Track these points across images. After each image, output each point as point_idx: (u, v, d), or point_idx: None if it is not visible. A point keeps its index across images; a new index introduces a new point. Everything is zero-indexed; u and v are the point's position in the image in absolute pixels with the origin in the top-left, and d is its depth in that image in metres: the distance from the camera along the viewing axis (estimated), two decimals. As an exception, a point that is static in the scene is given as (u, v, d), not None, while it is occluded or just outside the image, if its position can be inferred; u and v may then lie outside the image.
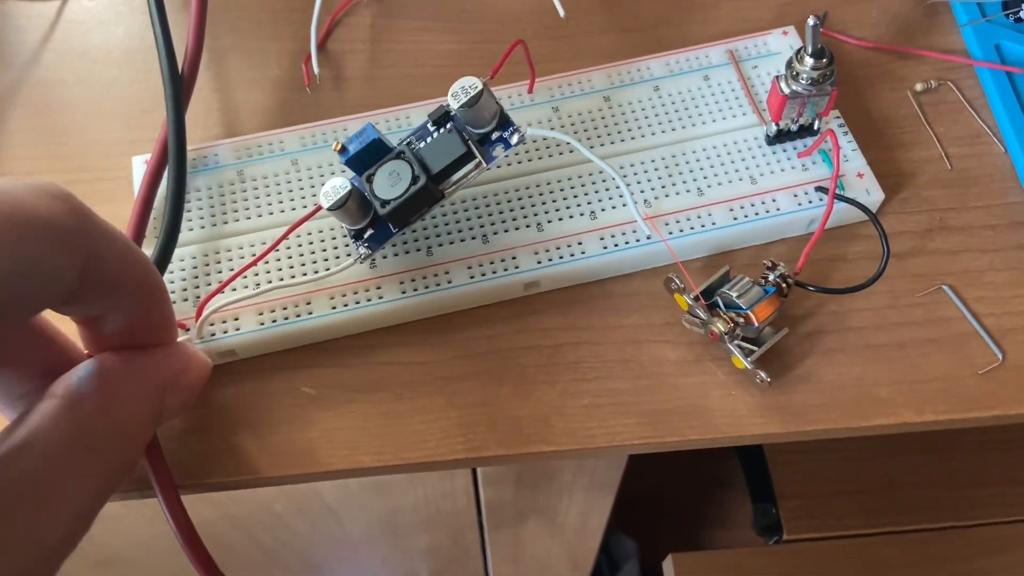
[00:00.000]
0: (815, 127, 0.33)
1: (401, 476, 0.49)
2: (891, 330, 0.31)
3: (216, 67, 0.37)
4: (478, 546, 0.66)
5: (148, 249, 0.30)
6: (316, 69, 0.36)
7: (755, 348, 0.28)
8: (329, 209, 0.28)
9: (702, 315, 0.29)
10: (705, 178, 0.32)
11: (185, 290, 0.31)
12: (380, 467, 0.29)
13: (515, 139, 0.29)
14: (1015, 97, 0.35)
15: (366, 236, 0.30)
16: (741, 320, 0.28)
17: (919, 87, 0.36)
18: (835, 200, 0.31)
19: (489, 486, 0.52)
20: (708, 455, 0.44)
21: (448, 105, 0.28)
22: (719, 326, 0.28)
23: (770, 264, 0.29)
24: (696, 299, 0.29)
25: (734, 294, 0.28)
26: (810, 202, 0.32)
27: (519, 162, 0.33)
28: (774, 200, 0.32)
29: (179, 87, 0.32)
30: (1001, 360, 0.30)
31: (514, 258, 0.31)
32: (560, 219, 0.32)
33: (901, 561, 0.41)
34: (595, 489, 0.52)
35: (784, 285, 0.29)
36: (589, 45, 0.38)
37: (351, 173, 0.30)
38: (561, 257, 0.31)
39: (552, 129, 0.33)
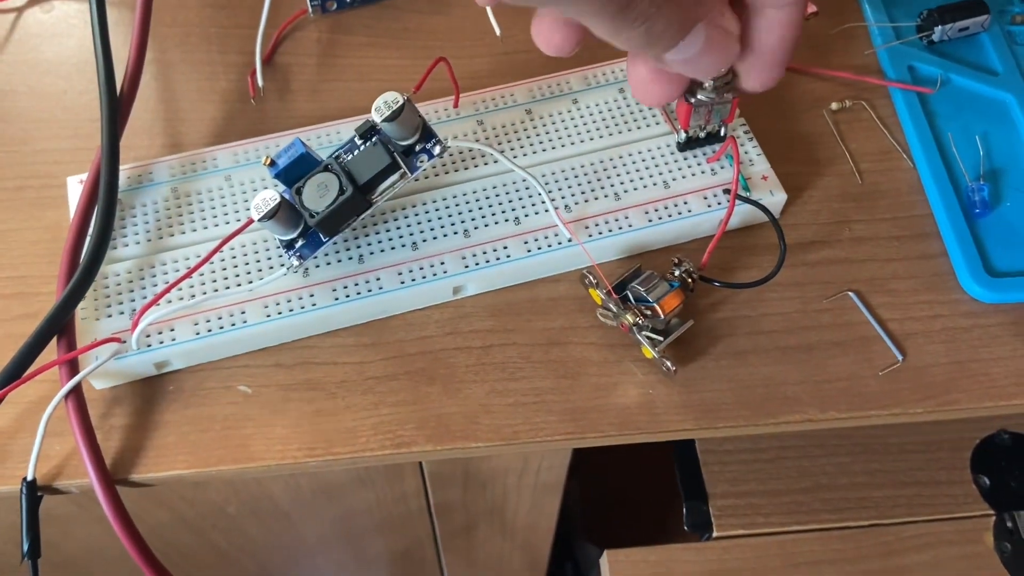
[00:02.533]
0: (722, 134, 0.35)
1: (351, 479, 0.51)
2: (800, 333, 0.33)
3: (164, 79, 0.39)
4: (433, 550, 0.67)
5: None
6: (260, 82, 0.38)
7: (662, 339, 0.30)
8: (260, 220, 0.29)
9: (614, 308, 0.31)
10: (622, 183, 0.34)
11: (121, 303, 0.32)
12: (311, 461, 0.30)
13: (437, 149, 0.31)
14: (924, 116, 0.38)
15: (297, 246, 0.31)
16: (649, 312, 0.30)
17: (835, 106, 0.38)
18: (737, 201, 0.33)
19: (438, 489, 0.53)
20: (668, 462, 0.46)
21: (373, 119, 0.30)
22: (628, 318, 0.30)
23: (676, 260, 0.31)
24: (608, 293, 0.31)
25: (642, 288, 0.30)
26: (719, 203, 0.34)
27: (446, 172, 0.35)
28: (686, 203, 0.34)
29: (115, 117, 0.33)
30: (901, 362, 0.32)
31: (442, 263, 0.33)
32: (486, 225, 0.33)
33: (825, 557, 0.43)
34: (541, 489, 0.53)
35: (689, 280, 0.31)
36: (524, 62, 0.39)
37: (283, 187, 0.31)
38: (487, 261, 0.33)
39: (477, 141, 0.35)
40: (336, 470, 0.46)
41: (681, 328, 0.31)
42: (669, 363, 0.30)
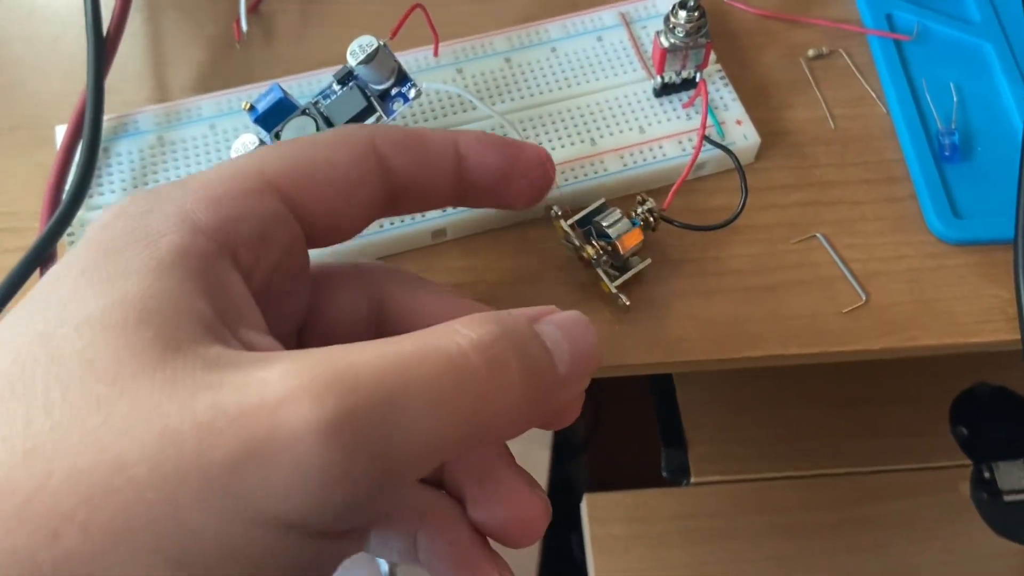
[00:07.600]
0: (697, 79, 0.35)
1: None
2: (766, 273, 0.34)
3: (154, 24, 0.40)
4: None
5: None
6: (244, 27, 0.38)
7: (619, 274, 0.31)
8: None
9: (576, 241, 0.31)
10: (598, 129, 0.35)
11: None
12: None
13: (412, 93, 0.32)
14: (900, 63, 0.38)
15: (276, 188, 0.32)
16: (609, 248, 0.31)
17: (811, 53, 0.39)
18: (705, 144, 0.33)
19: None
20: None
21: (349, 63, 0.31)
22: (589, 251, 0.31)
23: (641, 199, 0.32)
24: (572, 227, 0.31)
25: (604, 224, 0.31)
26: (693, 148, 0.34)
27: (425, 119, 0.35)
28: (661, 147, 0.35)
29: (101, 55, 0.34)
30: (864, 301, 0.33)
31: (422, 207, 0.33)
32: (465, 170, 0.34)
33: (798, 503, 0.43)
34: (528, 443, 0.54)
35: (651, 219, 0.31)
36: (507, 8, 0.40)
37: (263, 132, 0.32)
38: (467, 205, 0.33)
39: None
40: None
41: (639, 266, 0.32)
42: (624, 298, 0.31)
